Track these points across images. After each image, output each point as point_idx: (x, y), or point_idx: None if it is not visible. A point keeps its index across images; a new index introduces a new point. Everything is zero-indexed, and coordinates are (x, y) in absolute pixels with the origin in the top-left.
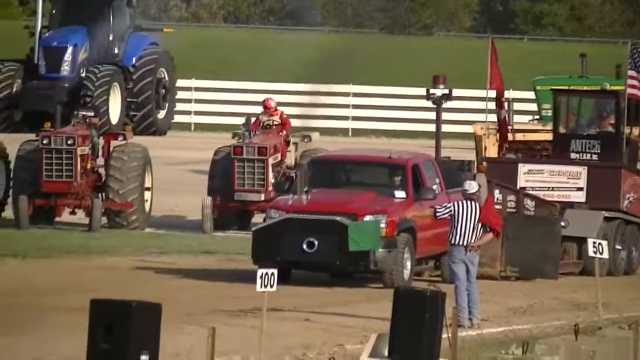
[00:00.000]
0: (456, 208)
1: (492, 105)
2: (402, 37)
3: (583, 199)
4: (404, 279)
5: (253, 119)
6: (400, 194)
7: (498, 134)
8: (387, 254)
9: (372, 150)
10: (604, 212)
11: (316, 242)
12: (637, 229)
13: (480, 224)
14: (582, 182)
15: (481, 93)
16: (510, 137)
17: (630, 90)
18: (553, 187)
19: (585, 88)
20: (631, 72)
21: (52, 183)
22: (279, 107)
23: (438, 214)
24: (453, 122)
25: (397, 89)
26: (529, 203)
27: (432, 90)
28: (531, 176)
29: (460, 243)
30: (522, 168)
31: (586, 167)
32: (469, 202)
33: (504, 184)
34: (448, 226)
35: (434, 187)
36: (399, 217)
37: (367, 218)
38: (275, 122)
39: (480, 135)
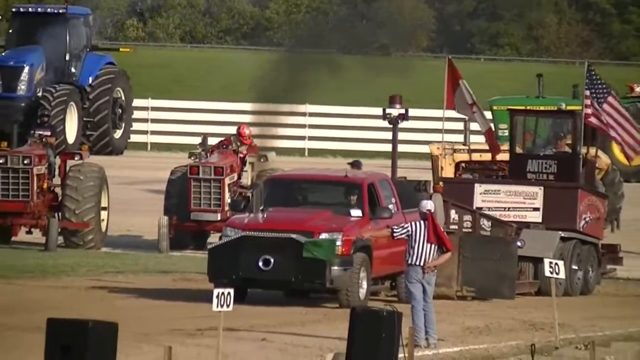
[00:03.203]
0: (413, 228)
1: (448, 125)
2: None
3: (539, 219)
4: (359, 298)
5: (221, 139)
6: (356, 212)
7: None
8: (343, 272)
9: (328, 169)
10: (560, 232)
11: (272, 260)
12: (594, 249)
13: (437, 244)
14: (539, 203)
15: (438, 113)
16: (466, 157)
17: (587, 111)
18: (509, 207)
19: (542, 108)
20: (588, 93)
21: (8, 202)
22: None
23: (395, 234)
24: (410, 142)
25: (354, 108)
26: (485, 223)
27: (388, 110)
28: (487, 196)
29: (417, 263)
30: (479, 188)
31: (542, 188)
32: (425, 223)
33: (460, 204)
34: (404, 246)
35: (390, 206)
36: (355, 236)
37: (323, 236)
38: (243, 152)
39: (437, 155)
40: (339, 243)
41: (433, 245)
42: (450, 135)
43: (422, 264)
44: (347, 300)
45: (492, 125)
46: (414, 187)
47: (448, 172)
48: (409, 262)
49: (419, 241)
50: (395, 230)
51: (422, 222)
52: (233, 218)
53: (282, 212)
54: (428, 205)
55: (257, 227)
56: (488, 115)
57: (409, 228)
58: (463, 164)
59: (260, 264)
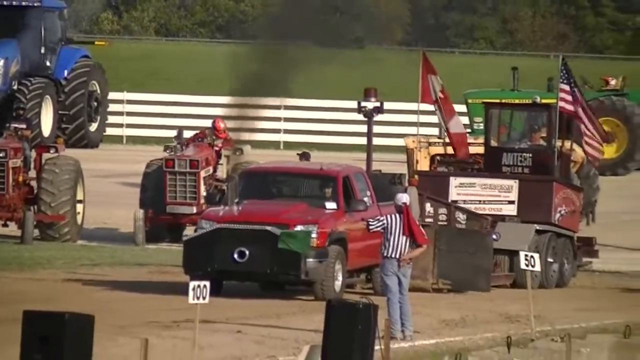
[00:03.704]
0: (388, 221)
1: (424, 118)
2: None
3: (514, 212)
4: (334, 290)
5: (196, 132)
6: (331, 205)
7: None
8: (318, 264)
9: (303, 162)
10: (535, 225)
11: (247, 252)
12: (569, 241)
13: (411, 237)
14: (514, 196)
15: (413, 106)
16: (441, 150)
17: (561, 104)
18: (484, 200)
19: (517, 101)
20: (562, 86)
21: None
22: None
23: (371, 227)
24: (385, 135)
25: (329, 102)
26: (461, 216)
27: (363, 103)
28: (462, 189)
29: (393, 256)
30: (454, 181)
31: (517, 181)
32: (401, 215)
33: (435, 197)
34: (379, 239)
35: (365, 199)
36: (330, 228)
37: (299, 228)
38: (218, 145)
39: (412, 149)
40: (314, 235)
41: (408, 238)
42: (425, 129)
43: (397, 256)
44: (323, 293)
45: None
46: (388, 180)
47: (423, 165)
48: (385, 254)
49: (395, 234)
50: (371, 223)
51: (397, 215)
52: (208, 210)
53: (257, 205)
54: (403, 198)
55: (233, 219)
56: (463, 108)
57: (385, 221)
58: (438, 157)
59: (236, 256)
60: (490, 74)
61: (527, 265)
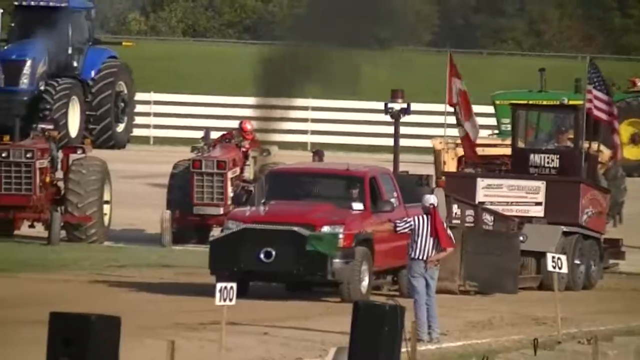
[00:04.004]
0: (416, 222)
1: (450, 119)
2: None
3: (542, 214)
4: (361, 292)
5: (223, 133)
6: (357, 206)
7: (463, 151)
8: (345, 265)
9: (329, 163)
10: (562, 226)
11: (274, 252)
12: (596, 243)
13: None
14: (541, 197)
15: (440, 107)
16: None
17: (588, 105)
18: (511, 202)
19: (544, 102)
20: (590, 88)
21: (10, 196)
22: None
23: (398, 229)
24: (412, 136)
25: (357, 102)
26: (488, 218)
27: (390, 105)
28: (490, 191)
29: (420, 257)
30: (481, 183)
31: (545, 182)
32: (428, 217)
33: (462, 199)
34: (406, 240)
35: (392, 200)
36: (357, 229)
37: (325, 229)
38: (245, 146)
39: (439, 150)
40: (340, 236)
41: (436, 240)
42: (453, 130)
43: (424, 258)
44: (349, 294)
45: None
46: (415, 181)
47: (451, 166)
48: (412, 256)
49: (422, 235)
50: (398, 224)
51: (425, 216)
52: (235, 211)
53: (283, 205)
54: (431, 199)
55: (259, 219)
56: (491, 109)
57: (412, 222)
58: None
59: (262, 256)
60: (518, 76)
61: (554, 267)
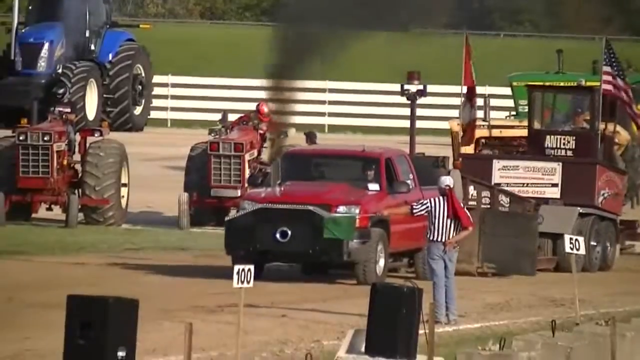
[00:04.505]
0: (433, 204)
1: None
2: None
3: (558, 195)
4: (376, 273)
5: (241, 115)
6: (374, 186)
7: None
8: (361, 245)
9: (344, 145)
10: (578, 208)
11: (289, 232)
12: (612, 224)
13: (456, 220)
14: (557, 178)
15: (457, 89)
16: (486, 133)
17: (605, 86)
18: (528, 183)
19: (561, 84)
20: (606, 69)
21: (28, 179)
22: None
23: (415, 211)
24: (429, 118)
25: (373, 85)
26: (504, 199)
27: (406, 86)
28: (506, 172)
29: (438, 239)
30: (497, 164)
31: (561, 163)
32: (445, 198)
33: (478, 180)
34: (422, 222)
35: (408, 182)
36: (373, 209)
37: (341, 209)
38: (262, 129)
39: (456, 132)
40: (356, 216)
41: (454, 221)
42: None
43: (443, 240)
44: (364, 276)
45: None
46: (432, 163)
47: (468, 148)
48: (430, 238)
49: (439, 217)
50: (415, 206)
51: (441, 197)
52: (250, 192)
53: (299, 186)
54: (447, 181)
55: (275, 200)
56: (508, 91)
57: (429, 204)
58: (483, 140)
59: (278, 235)
60: (536, 57)
61: (571, 249)
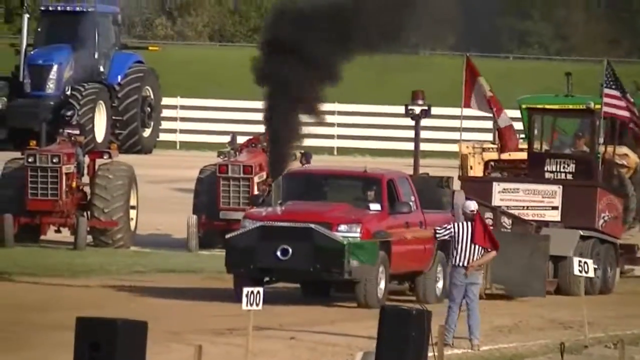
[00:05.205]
0: (456, 229)
1: (466, 123)
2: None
3: (558, 218)
4: (377, 295)
5: (250, 137)
6: (375, 206)
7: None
8: (362, 264)
9: (347, 166)
10: (580, 230)
11: (290, 250)
12: (612, 248)
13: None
14: (557, 201)
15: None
16: (495, 155)
17: (605, 109)
18: (528, 206)
19: (570, 107)
20: (607, 91)
21: (37, 201)
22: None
23: (438, 235)
24: (437, 140)
25: (382, 107)
26: (506, 221)
27: (410, 106)
28: (506, 195)
29: (461, 264)
30: (497, 187)
31: (561, 186)
32: (469, 223)
33: (482, 202)
34: (423, 244)
35: (410, 203)
36: (374, 228)
37: (342, 227)
38: None
39: (466, 154)
40: (357, 234)
41: (478, 246)
42: (467, 133)
43: (465, 265)
44: (365, 297)
45: (512, 122)
46: (436, 183)
47: (477, 170)
48: (453, 263)
49: (463, 242)
50: (438, 230)
51: (467, 222)
52: (251, 210)
53: (300, 205)
54: (472, 206)
55: (276, 218)
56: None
57: (452, 229)
58: (492, 163)
59: (279, 253)
60: (545, 79)
61: (580, 272)
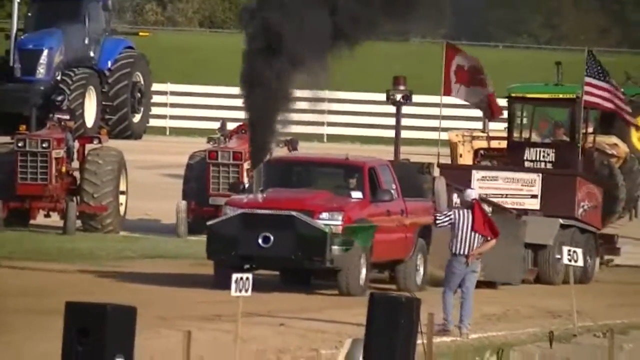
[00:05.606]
0: (457, 216)
1: (446, 111)
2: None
3: (537, 207)
4: (359, 283)
5: (239, 124)
6: (356, 194)
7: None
8: (344, 252)
9: (328, 153)
10: (560, 219)
11: (272, 237)
12: (592, 237)
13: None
14: (537, 190)
15: (452, 100)
16: (485, 144)
17: (587, 98)
18: (507, 194)
19: (560, 96)
20: (588, 80)
21: (26, 185)
22: None
23: (438, 222)
24: (423, 128)
25: (372, 94)
26: (486, 208)
27: (391, 92)
28: (485, 183)
29: (461, 252)
30: (476, 174)
31: (540, 175)
32: (469, 211)
33: (462, 188)
34: (404, 233)
35: (391, 191)
36: (356, 216)
37: (324, 215)
38: None
39: (455, 142)
40: (339, 223)
41: (478, 234)
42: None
43: (466, 253)
44: (347, 286)
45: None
46: (417, 169)
47: (467, 159)
48: (453, 251)
49: (463, 230)
50: (438, 217)
51: (466, 210)
52: (232, 197)
53: (281, 192)
54: (472, 194)
55: (257, 205)
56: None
57: (452, 216)
58: (482, 151)
59: (260, 241)
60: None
61: (569, 261)
